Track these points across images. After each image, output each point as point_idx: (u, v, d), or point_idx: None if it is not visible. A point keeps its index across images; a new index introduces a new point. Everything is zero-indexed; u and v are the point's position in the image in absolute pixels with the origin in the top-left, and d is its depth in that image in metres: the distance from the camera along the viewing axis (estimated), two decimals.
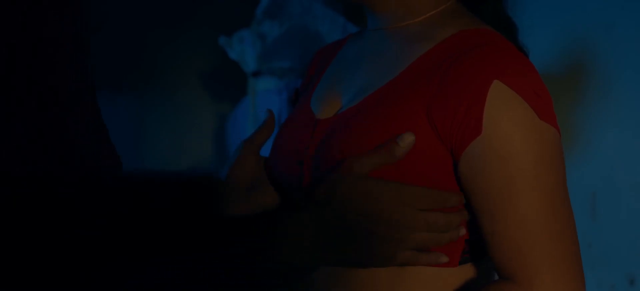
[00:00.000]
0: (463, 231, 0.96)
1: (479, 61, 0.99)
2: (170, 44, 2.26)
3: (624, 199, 1.63)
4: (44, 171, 0.72)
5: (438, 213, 0.95)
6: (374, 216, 0.93)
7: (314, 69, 1.26)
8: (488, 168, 0.94)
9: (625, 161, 1.63)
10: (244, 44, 2.19)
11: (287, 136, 1.14)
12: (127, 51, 2.22)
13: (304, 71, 2.19)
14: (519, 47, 1.05)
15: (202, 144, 2.47)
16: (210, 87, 2.41)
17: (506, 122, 0.95)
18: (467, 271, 1.02)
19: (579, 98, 1.70)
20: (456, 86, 0.98)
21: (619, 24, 1.55)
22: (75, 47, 0.75)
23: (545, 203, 0.94)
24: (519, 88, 0.95)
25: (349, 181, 0.97)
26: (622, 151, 1.63)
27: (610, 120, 1.62)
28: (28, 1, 0.70)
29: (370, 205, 0.93)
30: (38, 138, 0.71)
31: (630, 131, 1.63)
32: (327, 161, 1.03)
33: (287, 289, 0.83)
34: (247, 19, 2.23)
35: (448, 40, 1.03)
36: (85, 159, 0.75)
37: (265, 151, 1.19)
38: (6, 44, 0.69)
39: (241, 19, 2.25)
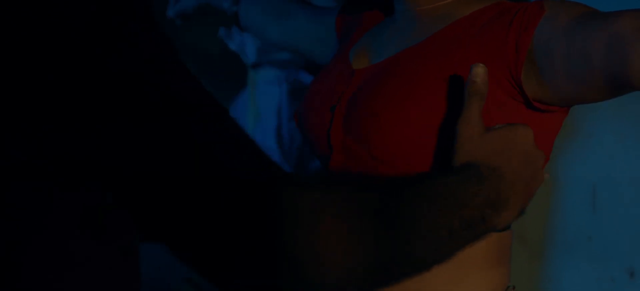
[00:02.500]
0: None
1: (522, 3, 1.04)
2: (170, 35, 2.26)
3: (624, 192, 1.63)
4: None
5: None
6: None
7: (343, 29, 1.30)
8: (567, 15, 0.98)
9: (626, 154, 1.63)
10: (244, 36, 2.19)
11: (322, 85, 1.17)
12: None
13: (304, 62, 2.19)
14: None
15: None
16: (210, 78, 2.40)
17: (563, 2, 1.00)
18: (510, 234, 1.08)
19: None
20: (506, 16, 1.02)
21: None
22: None
23: None
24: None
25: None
26: (622, 145, 1.63)
27: (610, 113, 1.62)
28: None
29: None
30: None
31: (631, 124, 1.63)
32: (363, 107, 1.06)
33: None
34: None
35: (482, 10, 1.07)
36: None
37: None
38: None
39: None
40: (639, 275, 1.63)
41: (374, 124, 1.04)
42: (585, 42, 0.94)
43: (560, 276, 1.74)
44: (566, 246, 1.71)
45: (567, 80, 0.97)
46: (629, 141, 1.63)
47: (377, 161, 1.04)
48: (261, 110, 2.24)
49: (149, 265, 0.89)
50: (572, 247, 1.71)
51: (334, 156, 1.10)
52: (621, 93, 0.98)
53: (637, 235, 1.64)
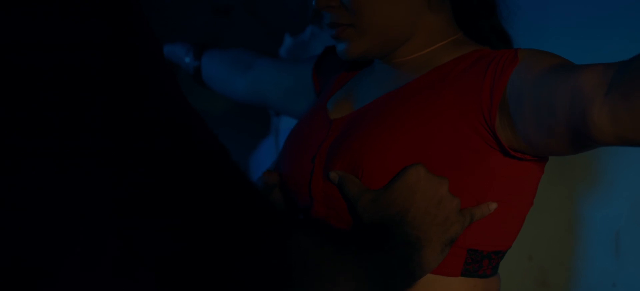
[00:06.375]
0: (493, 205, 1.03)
1: (498, 51, 1.06)
2: (192, 82, 2.29)
3: None
4: None
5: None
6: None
7: (320, 79, 1.30)
8: (536, 66, 0.99)
9: None
10: None
11: (301, 137, 1.17)
12: None
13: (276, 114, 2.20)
14: None
15: None
16: (234, 126, 2.42)
17: (536, 52, 1.02)
18: (468, 284, 1.04)
19: None
20: (483, 63, 1.04)
21: None
22: None
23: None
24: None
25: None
26: None
27: (633, 158, 1.62)
28: None
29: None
30: None
31: None
32: (341, 155, 1.06)
33: None
34: None
35: (460, 57, 1.08)
36: None
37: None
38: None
39: None
40: None
41: (353, 170, 1.05)
42: (550, 95, 0.95)
43: None
44: None
45: (535, 130, 0.98)
46: None
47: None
48: None
49: None
50: None
51: (315, 207, 1.10)
52: (587, 147, 0.98)
53: None
